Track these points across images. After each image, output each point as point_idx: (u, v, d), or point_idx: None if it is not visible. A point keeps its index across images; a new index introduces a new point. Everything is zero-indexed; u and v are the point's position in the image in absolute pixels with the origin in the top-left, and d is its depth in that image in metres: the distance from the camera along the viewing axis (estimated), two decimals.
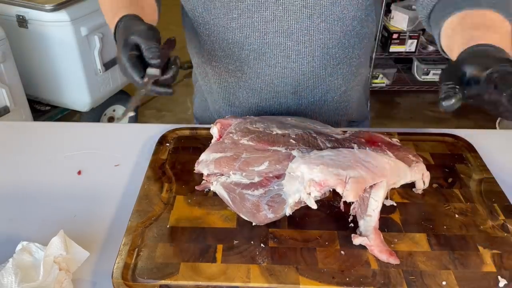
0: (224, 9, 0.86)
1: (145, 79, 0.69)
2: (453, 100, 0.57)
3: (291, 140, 0.78)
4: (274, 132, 0.79)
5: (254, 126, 0.82)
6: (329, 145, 0.78)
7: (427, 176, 0.81)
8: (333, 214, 0.78)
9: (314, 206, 0.68)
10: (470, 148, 0.95)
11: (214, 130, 0.85)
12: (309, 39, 0.88)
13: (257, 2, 0.84)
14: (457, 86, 0.57)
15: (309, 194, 0.67)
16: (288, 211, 0.72)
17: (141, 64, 0.69)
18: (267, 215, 0.72)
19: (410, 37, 3.02)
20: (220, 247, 0.71)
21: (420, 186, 0.82)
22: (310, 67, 0.92)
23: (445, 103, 0.57)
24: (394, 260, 0.68)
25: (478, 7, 0.72)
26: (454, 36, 0.72)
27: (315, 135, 0.80)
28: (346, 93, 1.03)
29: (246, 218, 0.74)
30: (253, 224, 0.74)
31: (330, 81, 0.97)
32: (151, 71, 0.68)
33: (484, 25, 0.70)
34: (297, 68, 0.92)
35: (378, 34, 3.12)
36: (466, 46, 0.64)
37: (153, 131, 1.02)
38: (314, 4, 0.84)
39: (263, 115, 0.99)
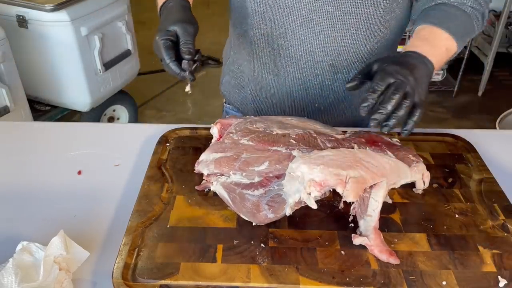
0: None
1: (184, 67, 0.80)
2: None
3: (291, 140, 0.78)
4: (274, 132, 0.79)
5: (254, 126, 0.82)
6: (329, 145, 0.78)
7: (427, 176, 0.81)
8: (333, 214, 0.78)
9: (314, 206, 0.68)
10: (470, 148, 0.95)
11: (214, 130, 0.85)
12: (355, 11, 0.92)
13: None
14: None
15: (309, 194, 0.67)
16: (288, 211, 0.71)
17: (174, 49, 0.81)
18: (267, 215, 0.72)
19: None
20: (220, 247, 0.71)
21: (420, 186, 0.82)
22: (352, 40, 0.95)
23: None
24: (394, 260, 0.68)
25: (437, 26, 0.86)
26: (409, 41, 0.88)
27: (315, 135, 0.80)
28: None
29: (246, 218, 0.74)
30: (253, 224, 0.74)
31: (367, 59, 0.99)
32: (185, 64, 0.80)
33: (426, 38, 0.85)
34: (340, 38, 0.95)
35: None
36: (404, 50, 0.82)
37: (153, 131, 1.02)
38: None
39: (298, 85, 1.02)
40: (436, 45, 0.84)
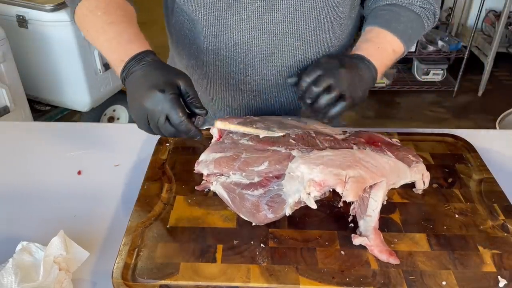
0: (232, 10, 0.85)
1: (197, 124, 0.72)
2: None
3: (290, 140, 0.78)
4: (275, 130, 0.79)
5: (254, 126, 0.82)
6: (328, 145, 0.78)
7: (427, 176, 0.81)
8: (333, 214, 0.78)
9: (314, 206, 0.68)
10: (470, 148, 0.95)
11: (214, 130, 0.85)
12: (315, 38, 0.90)
13: (268, 4, 0.84)
14: (299, 71, 0.86)
15: (309, 194, 0.67)
16: (288, 211, 0.71)
17: (182, 105, 0.71)
18: (267, 215, 0.72)
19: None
20: (220, 247, 0.71)
21: (420, 186, 0.81)
22: None
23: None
24: (394, 260, 0.68)
25: (385, 27, 0.87)
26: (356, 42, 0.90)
27: (314, 135, 0.80)
28: None
29: (246, 218, 0.74)
30: (253, 224, 0.74)
31: None
32: (199, 121, 0.73)
33: (372, 41, 0.86)
34: (302, 67, 0.93)
35: None
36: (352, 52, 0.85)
37: None
38: (322, 5, 0.86)
39: (263, 114, 0.99)
40: (381, 48, 0.85)
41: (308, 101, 0.77)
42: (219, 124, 0.79)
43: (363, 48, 0.84)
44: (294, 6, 0.85)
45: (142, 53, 0.74)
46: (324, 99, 0.76)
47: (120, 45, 0.77)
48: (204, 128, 0.74)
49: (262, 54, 0.90)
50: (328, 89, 0.76)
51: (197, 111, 0.72)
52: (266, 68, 0.92)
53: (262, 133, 0.79)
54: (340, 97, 0.76)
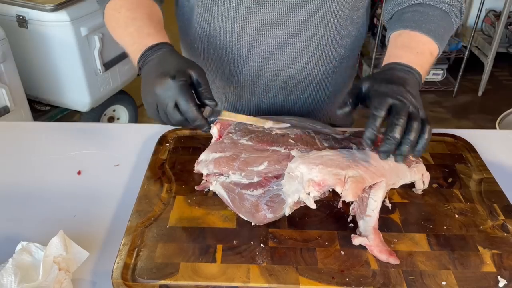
0: None
1: (205, 115, 0.70)
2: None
3: (290, 140, 0.78)
4: (274, 132, 0.79)
5: (253, 126, 0.82)
6: (328, 145, 0.78)
7: (426, 176, 0.81)
8: (333, 214, 0.78)
9: (313, 206, 0.68)
10: (470, 148, 0.95)
11: (214, 130, 0.85)
12: (305, 33, 0.89)
13: None
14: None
15: (308, 194, 0.67)
16: (287, 211, 0.71)
17: (192, 94, 0.70)
18: (266, 215, 0.72)
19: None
20: (220, 247, 0.71)
21: (420, 187, 0.81)
22: (303, 62, 0.93)
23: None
24: (394, 260, 0.68)
25: (416, 29, 0.82)
26: (387, 49, 0.84)
27: (314, 135, 0.80)
28: (334, 94, 1.04)
29: (245, 218, 0.74)
30: (252, 224, 0.74)
31: (321, 79, 0.98)
32: (207, 111, 0.71)
33: (407, 45, 0.81)
34: (291, 62, 0.92)
35: (378, 34, 3.12)
36: (386, 62, 0.78)
37: (153, 131, 1.02)
38: None
39: (251, 109, 1.00)
40: (419, 52, 0.80)
41: (392, 143, 0.64)
42: (226, 115, 0.75)
43: (400, 56, 0.77)
44: None
45: (159, 44, 0.76)
46: (413, 133, 0.64)
47: (140, 37, 0.79)
48: (212, 119, 0.73)
49: (250, 44, 0.90)
50: (411, 123, 0.64)
51: (207, 101, 0.71)
52: (253, 60, 0.92)
53: (268, 124, 0.76)
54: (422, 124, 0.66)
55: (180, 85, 0.68)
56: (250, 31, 0.89)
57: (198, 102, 0.70)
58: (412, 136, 0.64)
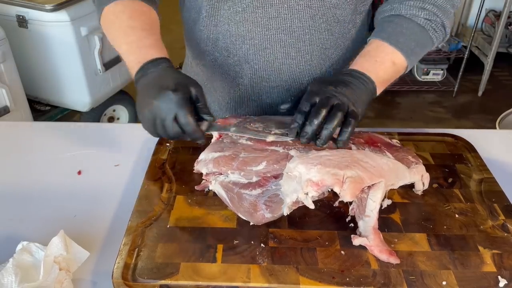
0: (229, 2, 0.87)
1: (203, 128, 0.74)
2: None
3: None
4: (273, 132, 0.79)
5: (253, 125, 0.82)
6: (326, 145, 0.78)
7: (426, 177, 0.81)
8: (333, 214, 0.78)
9: (311, 206, 0.68)
10: (470, 148, 0.95)
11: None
12: (309, 38, 0.90)
13: None
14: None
15: (307, 194, 0.67)
16: (286, 211, 0.71)
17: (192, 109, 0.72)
18: (265, 215, 0.72)
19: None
20: (220, 247, 0.71)
21: (420, 188, 0.81)
22: (307, 65, 0.94)
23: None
24: (394, 260, 0.68)
25: (385, 40, 0.85)
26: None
27: None
28: None
29: (243, 218, 0.74)
30: (251, 223, 0.74)
31: None
32: (204, 125, 0.74)
33: (369, 54, 0.85)
34: (295, 65, 0.93)
35: None
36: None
37: None
38: (318, 5, 0.86)
39: (254, 109, 1.01)
40: (378, 61, 0.83)
41: (312, 127, 0.71)
42: (221, 129, 0.78)
43: (359, 62, 0.83)
44: (288, 3, 0.85)
45: (159, 59, 0.76)
46: (335, 121, 0.71)
47: (140, 48, 0.79)
48: (209, 132, 0.76)
49: (255, 47, 0.91)
50: (332, 112, 0.71)
51: (205, 116, 0.73)
52: (258, 63, 0.93)
53: (270, 138, 0.77)
54: (345, 117, 0.72)
55: (181, 98, 0.69)
56: (256, 35, 0.90)
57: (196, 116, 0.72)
58: (332, 124, 0.70)
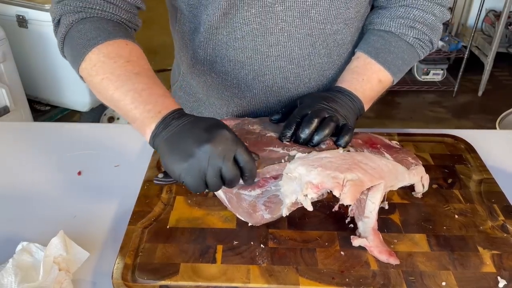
0: (228, 28, 0.85)
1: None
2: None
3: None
4: (268, 134, 0.79)
5: (251, 127, 0.81)
6: (327, 147, 0.77)
7: (426, 179, 0.80)
8: (333, 215, 0.78)
9: (310, 208, 0.68)
10: (470, 148, 0.95)
11: None
12: (309, 63, 0.90)
13: (262, 27, 0.84)
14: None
15: (306, 196, 0.67)
16: (285, 212, 0.71)
17: None
18: (264, 216, 0.72)
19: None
20: (220, 247, 0.71)
21: (420, 190, 0.81)
22: (306, 88, 0.93)
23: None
24: (394, 261, 0.68)
25: (373, 57, 0.87)
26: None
27: None
28: None
29: (242, 218, 0.74)
30: (249, 224, 0.74)
31: None
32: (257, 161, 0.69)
33: (357, 71, 0.86)
34: (294, 88, 0.93)
35: None
36: (336, 83, 0.87)
37: None
38: (319, 33, 0.86)
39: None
40: (365, 79, 0.85)
41: (305, 134, 0.73)
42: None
43: (347, 80, 0.85)
44: (289, 32, 0.84)
45: (180, 109, 0.69)
46: (328, 127, 0.73)
47: (153, 96, 0.69)
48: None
49: (254, 73, 0.90)
50: (325, 122, 0.74)
51: (252, 155, 0.67)
52: (257, 87, 0.92)
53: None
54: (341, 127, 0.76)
55: (234, 135, 0.64)
56: (255, 62, 0.89)
57: None
58: (326, 130, 0.73)
